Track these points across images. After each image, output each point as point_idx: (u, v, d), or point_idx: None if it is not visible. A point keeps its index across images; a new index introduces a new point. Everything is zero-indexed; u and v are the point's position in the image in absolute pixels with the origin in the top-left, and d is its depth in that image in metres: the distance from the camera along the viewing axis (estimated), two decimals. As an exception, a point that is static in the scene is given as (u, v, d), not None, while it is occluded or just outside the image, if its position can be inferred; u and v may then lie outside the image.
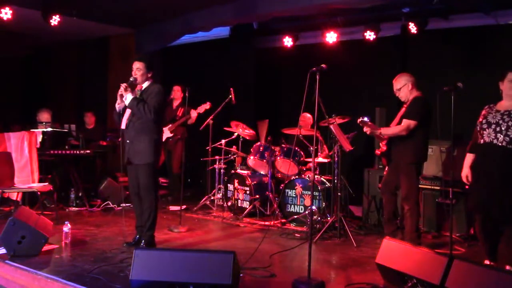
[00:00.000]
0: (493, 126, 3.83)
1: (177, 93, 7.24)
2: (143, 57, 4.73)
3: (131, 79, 4.50)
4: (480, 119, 3.95)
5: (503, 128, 3.77)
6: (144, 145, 4.40)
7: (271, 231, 5.42)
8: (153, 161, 4.45)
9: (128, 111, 4.49)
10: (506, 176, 3.73)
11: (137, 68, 4.52)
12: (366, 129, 4.74)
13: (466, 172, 4.04)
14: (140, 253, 3.30)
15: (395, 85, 4.73)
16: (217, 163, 6.81)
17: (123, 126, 4.50)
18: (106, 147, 7.59)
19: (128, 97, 4.39)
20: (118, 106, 4.52)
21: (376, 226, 5.84)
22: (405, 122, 4.52)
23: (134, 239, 4.60)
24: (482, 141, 3.90)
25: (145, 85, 4.56)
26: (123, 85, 4.43)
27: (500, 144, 3.77)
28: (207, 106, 6.76)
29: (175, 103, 7.25)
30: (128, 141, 4.45)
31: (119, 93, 4.45)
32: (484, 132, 3.87)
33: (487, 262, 3.93)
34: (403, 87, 4.66)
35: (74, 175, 6.70)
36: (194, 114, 6.85)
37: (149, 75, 4.57)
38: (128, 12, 7.64)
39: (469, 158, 4.05)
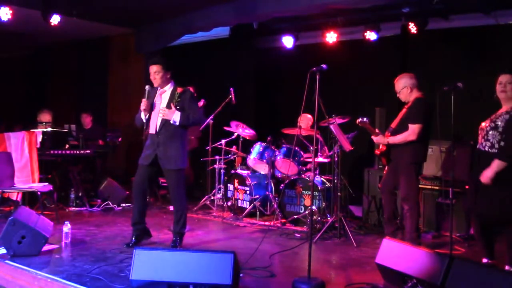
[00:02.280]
0: (482, 133, 3.90)
1: None
2: (159, 59, 4.57)
3: (147, 88, 4.48)
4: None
5: (484, 133, 3.85)
6: (177, 150, 4.44)
7: (271, 231, 5.41)
8: (184, 166, 4.52)
9: (157, 116, 4.46)
10: (498, 180, 3.73)
11: (155, 72, 4.45)
12: (374, 138, 4.76)
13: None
14: (140, 253, 3.30)
15: (396, 86, 4.75)
16: (217, 163, 6.81)
17: (152, 131, 4.49)
18: (106, 147, 7.59)
19: (176, 117, 4.34)
20: (144, 118, 4.48)
21: (376, 226, 5.84)
22: (411, 127, 4.52)
23: (131, 239, 4.58)
24: (477, 146, 3.97)
25: (169, 87, 4.53)
26: (143, 102, 4.42)
27: (483, 149, 3.83)
28: (200, 103, 6.78)
29: None
30: (159, 145, 4.44)
31: (142, 107, 4.43)
32: (478, 138, 3.94)
33: (484, 260, 3.94)
34: (403, 90, 4.68)
35: (74, 175, 6.71)
36: None
37: (168, 76, 4.53)
38: (128, 12, 7.64)
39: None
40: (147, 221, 4.73)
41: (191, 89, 4.58)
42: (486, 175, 3.71)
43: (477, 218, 3.92)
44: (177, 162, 4.46)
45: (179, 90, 4.51)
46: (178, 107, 4.42)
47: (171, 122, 4.37)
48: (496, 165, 3.68)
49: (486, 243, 3.94)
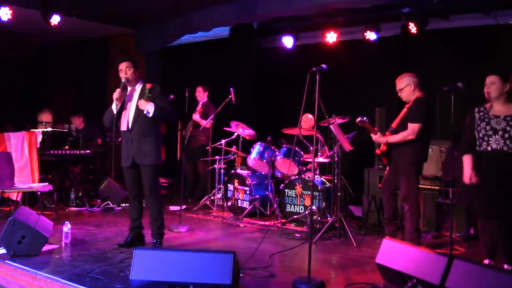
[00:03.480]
0: (500, 133, 3.78)
1: (199, 94, 7.23)
2: (128, 57, 4.65)
3: (123, 80, 4.47)
4: (479, 123, 3.90)
5: (505, 133, 3.75)
6: (151, 146, 4.42)
7: (271, 231, 5.41)
8: (160, 162, 4.49)
9: (129, 113, 4.45)
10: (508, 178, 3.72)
11: (127, 67, 4.48)
12: (373, 136, 4.76)
13: (471, 174, 3.88)
14: (140, 253, 3.30)
15: (398, 85, 4.72)
16: (217, 163, 6.81)
17: (123, 128, 4.48)
18: (106, 147, 7.59)
19: (150, 108, 4.30)
20: (115, 109, 4.46)
21: (376, 226, 5.84)
22: (410, 126, 4.51)
23: (126, 240, 4.57)
24: (489, 148, 3.82)
25: (138, 85, 4.54)
26: (118, 91, 4.41)
27: (510, 151, 3.75)
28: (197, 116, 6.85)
29: (200, 105, 7.23)
30: (132, 142, 4.43)
31: (115, 96, 4.41)
32: (491, 138, 3.82)
33: (486, 261, 3.93)
34: (406, 88, 4.65)
35: (74, 175, 6.71)
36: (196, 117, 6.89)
37: (138, 74, 4.56)
38: (128, 12, 7.65)
39: (469, 159, 3.92)
40: (145, 221, 4.72)
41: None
42: None
43: (491, 221, 3.88)
44: (152, 158, 4.41)
45: (148, 86, 4.50)
46: (149, 101, 4.40)
47: (145, 112, 4.31)
48: None
49: (491, 244, 3.92)
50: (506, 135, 3.77)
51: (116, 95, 4.41)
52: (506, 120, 3.79)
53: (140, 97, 4.44)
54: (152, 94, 4.42)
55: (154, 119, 4.39)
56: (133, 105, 4.46)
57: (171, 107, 4.48)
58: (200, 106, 7.16)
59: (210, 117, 6.68)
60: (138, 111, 4.41)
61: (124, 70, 4.49)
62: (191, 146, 7.27)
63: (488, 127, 3.85)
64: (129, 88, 4.54)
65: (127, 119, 4.46)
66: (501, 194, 3.77)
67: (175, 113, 4.52)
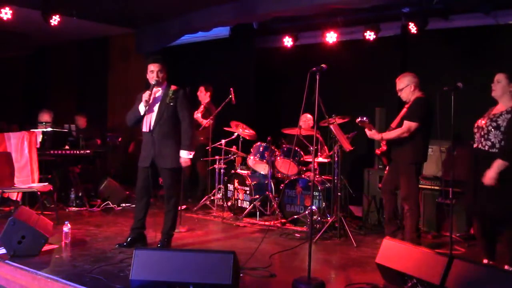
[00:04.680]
0: (480, 132, 3.89)
1: (201, 94, 7.21)
2: (160, 58, 4.61)
3: (153, 82, 4.44)
4: (476, 123, 4.00)
5: (485, 132, 3.83)
6: (171, 149, 4.46)
7: (271, 231, 5.42)
8: (180, 165, 4.51)
9: (151, 114, 4.46)
10: (499, 178, 3.74)
11: (159, 70, 4.46)
12: (367, 132, 4.75)
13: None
14: (140, 253, 3.30)
15: (398, 84, 4.71)
16: (217, 163, 6.81)
17: (145, 129, 4.49)
18: (106, 147, 7.59)
19: (184, 154, 4.41)
20: (143, 111, 4.46)
21: (376, 226, 5.84)
22: (406, 124, 4.51)
23: (126, 240, 4.58)
24: (475, 145, 3.96)
25: (162, 87, 4.53)
26: (148, 93, 4.40)
27: (483, 149, 3.83)
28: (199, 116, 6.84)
29: (203, 105, 7.21)
30: (154, 143, 4.44)
31: (145, 98, 4.39)
32: (475, 136, 3.94)
33: (485, 261, 3.94)
34: (406, 88, 4.65)
35: (74, 175, 6.70)
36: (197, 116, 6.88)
37: (165, 77, 4.56)
38: (128, 12, 7.64)
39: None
40: (147, 221, 4.73)
41: (184, 90, 4.58)
42: (489, 176, 3.71)
43: (479, 218, 3.92)
44: (172, 161, 4.46)
45: (173, 87, 4.53)
46: (171, 103, 4.43)
47: (187, 157, 4.43)
48: (497, 165, 3.68)
49: (487, 243, 3.94)
50: (482, 133, 3.85)
51: (146, 97, 4.40)
52: (490, 118, 3.85)
53: (163, 99, 4.46)
54: (175, 96, 4.46)
55: (176, 123, 4.45)
56: (156, 106, 4.46)
57: (190, 115, 4.55)
58: (203, 107, 7.15)
59: (210, 117, 6.68)
60: (161, 113, 4.44)
61: (156, 72, 4.46)
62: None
63: (476, 125, 3.95)
64: (154, 89, 4.52)
65: (150, 120, 4.46)
66: (481, 193, 3.82)
67: (192, 125, 4.59)
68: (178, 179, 4.58)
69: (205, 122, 6.78)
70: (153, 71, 4.47)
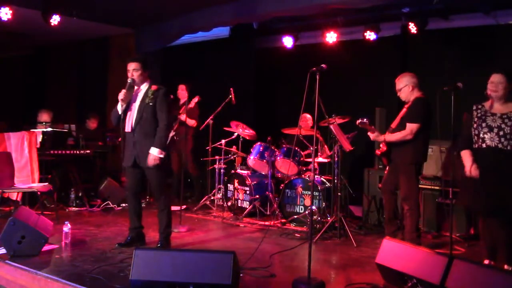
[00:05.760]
0: (495, 130, 3.81)
1: (182, 93, 7.21)
2: (138, 57, 4.67)
3: (129, 81, 4.45)
4: (476, 120, 3.93)
5: (506, 132, 3.77)
6: None
7: (271, 231, 5.42)
8: (164, 163, 4.49)
9: (132, 114, 4.46)
10: (507, 177, 3.73)
11: (134, 69, 4.47)
12: (370, 135, 4.75)
13: (471, 167, 3.89)
14: (140, 253, 3.30)
15: (397, 85, 4.72)
16: (217, 163, 6.81)
17: (127, 129, 4.48)
18: (106, 147, 7.58)
19: (154, 151, 4.34)
20: (120, 109, 4.46)
21: (376, 226, 5.84)
22: (408, 126, 4.51)
23: (126, 240, 4.59)
24: (484, 145, 3.85)
25: (144, 86, 4.53)
26: (123, 92, 4.40)
27: (505, 148, 3.77)
28: (196, 99, 6.77)
29: (180, 103, 7.21)
30: (135, 143, 4.44)
31: (120, 97, 4.40)
32: (486, 136, 3.85)
33: (486, 261, 3.93)
34: (404, 88, 4.66)
35: (74, 175, 6.70)
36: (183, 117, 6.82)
37: (146, 75, 4.55)
38: (128, 12, 7.64)
39: (468, 153, 3.95)
40: (146, 221, 4.73)
41: (165, 90, 4.56)
42: None
43: (491, 219, 3.89)
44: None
45: (153, 87, 4.51)
46: (150, 103, 4.41)
47: (155, 156, 4.34)
48: None
49: (492, 244, 3.92)
50: (501, 133, 3.80)
51: (121, 96, 4.41)
52: (502, 118, 3.82)
53: (144, 98, 4.45)
54: (154, 96, 4.44)
55: (157, 123, 4.42)
56: (137, 106, 4.46)
57: (166, 115, 4.44)
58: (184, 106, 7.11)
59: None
60: (141, 113, 4.43)
61: (131, 71, 4.48)
62: (177, 144, 7.19)
63: (484, 124, 3.88)
64: (135, 88, 4.53)
65: (131, 120, 4.46)
66: (500, 192, 3.78)
67: (168, 126, 4.55)
68: (162, 176, 4.53)
69: (192, 122, 6.80)
70: (129, 71, 4.49)
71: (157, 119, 4.43)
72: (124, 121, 4.49)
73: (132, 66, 4.48)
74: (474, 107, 3.98)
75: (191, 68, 8.73)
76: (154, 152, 4.35)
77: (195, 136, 7.18)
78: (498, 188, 3.78)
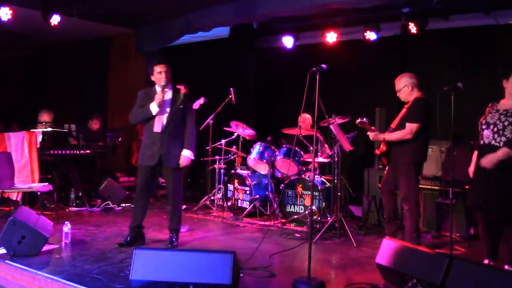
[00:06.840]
0: (491, 127, 3.84)
1: None
2: (165, 58, 4.70)
3: (163, 83, 4.49)
4: (482, 119, 3.96)
5: (499, 128, 3.78)
6: (179, 149, 4.58)
7: (271, 231, 5.42)
8: (187, 166, 4.70)
9: (162, 116, 4.53)
10: (505, 176, 3.73)
11: (166, 71, 4.54)
12: (370, 135, 4.75)
13: (470, 168, 4.07)
14: (140, 253, 3.30)
15: (396, 85, 4.74)
16: (217, 163, 6.81)
17: (157, 130, 4.54)
18: (106, 147, 7.58)
19: (186, 153, 4.56)
20: (155, 111, 4.49)
21: (376, 226, 5.84)
22: (408, 126, 4.51)
23: (126, 239, 4.60)
24: (482, 142, 3.91)
25: (169, 88, 4.61)
26: (162, 95, 4.47)
27: (497, 145, 3.78)
28: (201, 101, 6.78)
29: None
30: (163, 144, 4.51)
31: (159, 101, 4.45)
32: (483, 133, 3.89)
33: (486, 261, 3.93)
34: (404, 88, 4.67)
35: (74, 175, 6.70)
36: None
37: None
38: (128, 12, 7.64)
39: (475, 153, 4.04)
40: (147, 221, 4.73)
41: (187, 93, 4.67)
42: (488, 159, 3.72)
43: (485, 216, 3.90)
44: (178, 161, 4.58)
45: (182, 90, 4.64)
46: (181, 106, 4.56)
47: (189, 157, 4.58)
48: (502, 152, 3.68)
49: (492, 243, 3.93)
50: (495, 129, 3.81)
51: (160, 98, 4.46)
52: (500, 114, 3.83)
53: (173, 101, 4.56)
54: (184, 99, 4.59)
55: (183, 125, 4.61)
56: (168, 107, 4.55)
57: (194, 121, 4.71)
58: None
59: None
60: (173, 115, 4.53)
61: (164, 73, 4.53)
62: None
63: (484, 121, 3.91)
64: (160, 89, 4.55)
65: (162, 121, 4.53)
66: (496, 190, 3.79)
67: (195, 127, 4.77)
68: (181, 177, 4.73)
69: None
70: (161, 72, 4.52)
71: (184, 120, 4.60)
72: (153, 120, 4.55)
73: (164, 68, 4.53)
74: (490, 105, 4.01)
75: (191, 68, 8.72)
76: (187, 154, 4.55)
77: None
78: (495, 186, 3.80)
